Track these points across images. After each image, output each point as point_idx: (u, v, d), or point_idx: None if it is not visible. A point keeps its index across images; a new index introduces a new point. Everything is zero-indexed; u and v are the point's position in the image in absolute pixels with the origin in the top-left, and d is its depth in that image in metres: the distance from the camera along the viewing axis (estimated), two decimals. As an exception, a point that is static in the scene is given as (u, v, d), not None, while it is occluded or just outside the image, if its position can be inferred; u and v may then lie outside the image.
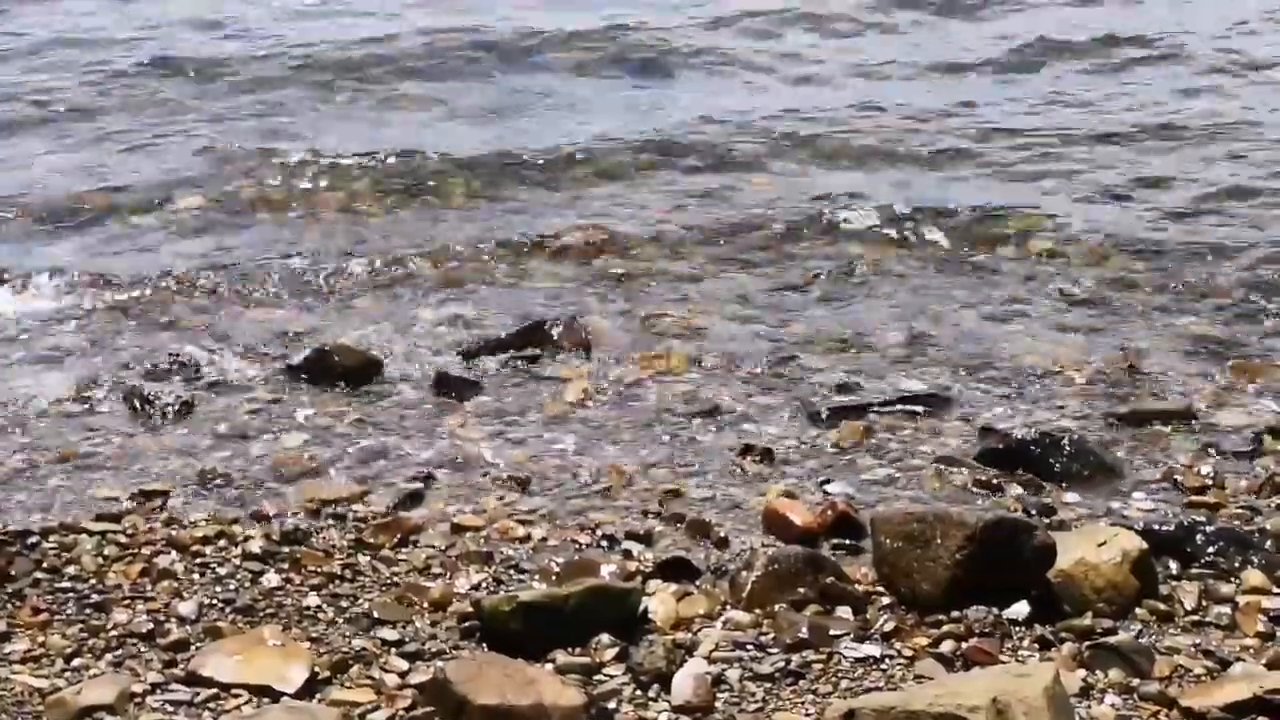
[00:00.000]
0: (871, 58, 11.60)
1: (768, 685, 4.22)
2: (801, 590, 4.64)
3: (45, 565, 4.80)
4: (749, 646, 4.38)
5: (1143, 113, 10.00)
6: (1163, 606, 4.57)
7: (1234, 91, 10.41)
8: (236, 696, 4.14)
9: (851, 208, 8.27)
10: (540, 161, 9.12)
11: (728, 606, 4.63)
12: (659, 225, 8.12)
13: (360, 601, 4.66)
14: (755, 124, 9.84)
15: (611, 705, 4.12)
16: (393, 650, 4.40)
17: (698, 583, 4.79)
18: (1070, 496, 5.39)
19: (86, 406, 6.07)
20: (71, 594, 4.65)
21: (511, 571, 4.88)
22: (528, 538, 5.10)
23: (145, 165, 9.16)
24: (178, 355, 6.50)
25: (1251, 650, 4.38)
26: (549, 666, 4.26)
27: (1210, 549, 4.84)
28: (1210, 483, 5.45)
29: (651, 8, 12.82)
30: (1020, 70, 11.21)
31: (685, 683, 4.18)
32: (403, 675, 4.26)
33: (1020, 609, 4.50)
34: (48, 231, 8.13)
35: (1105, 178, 8.82)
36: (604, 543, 5.08)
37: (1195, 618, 4.56)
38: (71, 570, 4.79)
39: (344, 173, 8.96)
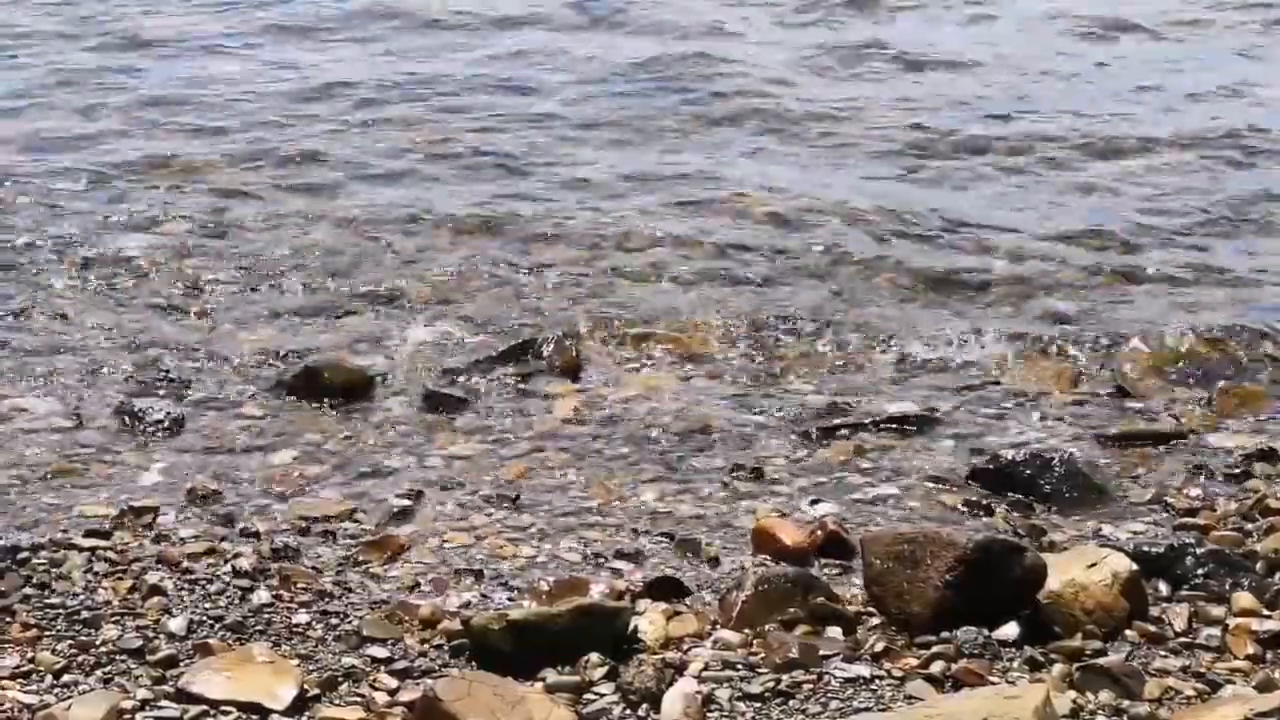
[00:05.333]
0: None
1: (757, 705, 4.21)
2: (791, 610, 4.64)
3: (35, 581, 4.80)
4: (739, 666, 4.37)
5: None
6: (1153, 628, 4.57)
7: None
8: (226, 714, 4.13)
9: (841, 229, 8.29)
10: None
11: (717, 626, 4.63)
12: (651, 244, 8.11)
13: (350, 619, 4.66)
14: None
15: (602, 725, 4.13)
16: (382, 668, 4.39)
17: (687, 602, 4.80)
18: (1060, 518, 5.40)
19: (76, 422, 6.06)
20: (61, 610, 4.64)
21: (501, 589, 4.88)
22: (517, 555, 5.11)
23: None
24: (168, 371, 6.50)
25: (1241, 672, 4.38)
26: (539, 685, 4.25)
27: (1200, 571, 4.84)
28: (1200, 505, 5.46)
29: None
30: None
31: (675, 702, 4.17)
32: (392, 693, 4.26)
33: (1010, 630, 4.50)
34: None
35: (1094, 196, 8.84)
36: (594, 561, 5.08)
37: (1185, 640, 4.55)
38: (61, 586, 4.78)
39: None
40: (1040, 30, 12.53)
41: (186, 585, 4.82)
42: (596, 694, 4.25)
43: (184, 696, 4.18)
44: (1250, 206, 8.54)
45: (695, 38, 12.20)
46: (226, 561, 4.96)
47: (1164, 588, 4.81)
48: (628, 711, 4.18)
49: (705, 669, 4.35)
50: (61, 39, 12.29)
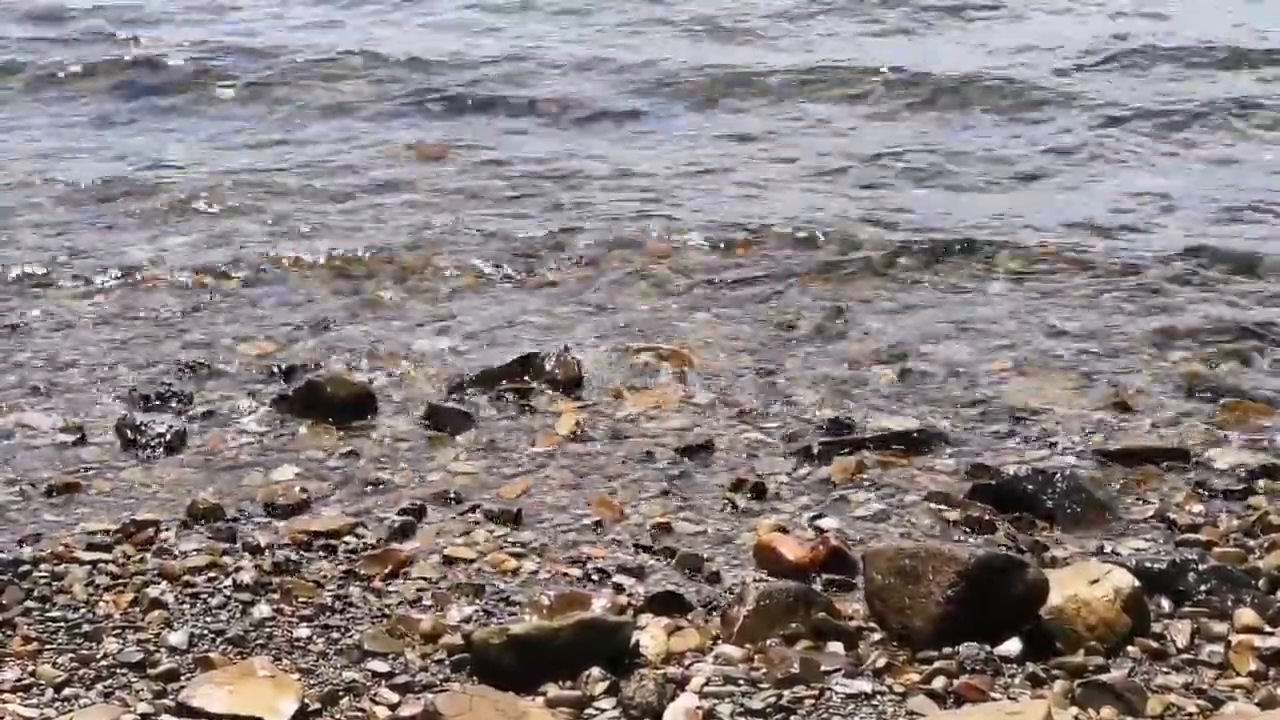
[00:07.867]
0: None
1: (759, 720, 4.22)
2: (793, 625, 4.63)
3: (36, 594, 4.80)
4: (740, 681, 4.37)
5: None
6: (1155, 644, 4.57)
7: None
8: (226, 728, 4.14)
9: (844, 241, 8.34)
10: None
11: (719, 641, 4.62)
12: (651, 261, 8.13)
13: (351, 633, 4.65)
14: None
15: (603, 739, 4.13)
16: (383, 682, 4.39)
17: (689, 617, 4.79)
18: (1062, 533, 5.39)
19: (78, 437, 6.06)
20: (62, 623, 4.65)
21: (502, 604, 4.87)
22: (519, 571, 5.10)
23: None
24: (170, 386, 6.50)
25: (1244, 689, 4.37)
26: (540, 700, 4.25)
27: (1203, 587, 4.84)
28: (1202, 521, 5.45)
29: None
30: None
31: (677, 717, 4.17)
32: (393, 708, 4.25)
33: (1012, 646, 4.50)
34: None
35: (1095, 208, 8.86)
36: (595, 576, 5.07)
37: (1188, 656, 4.55)
38: (62, 599, 4.78)
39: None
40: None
41: (188, 599, 4.82)
42: (598, 709, 4.25)
43: (185, 710, 4.18)
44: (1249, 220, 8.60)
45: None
46: (228, 575, 4.96)
47: (1166, 604, 4.80)
48: (629, 726, 4.19)
49: (707, 684, 4.35)
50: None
